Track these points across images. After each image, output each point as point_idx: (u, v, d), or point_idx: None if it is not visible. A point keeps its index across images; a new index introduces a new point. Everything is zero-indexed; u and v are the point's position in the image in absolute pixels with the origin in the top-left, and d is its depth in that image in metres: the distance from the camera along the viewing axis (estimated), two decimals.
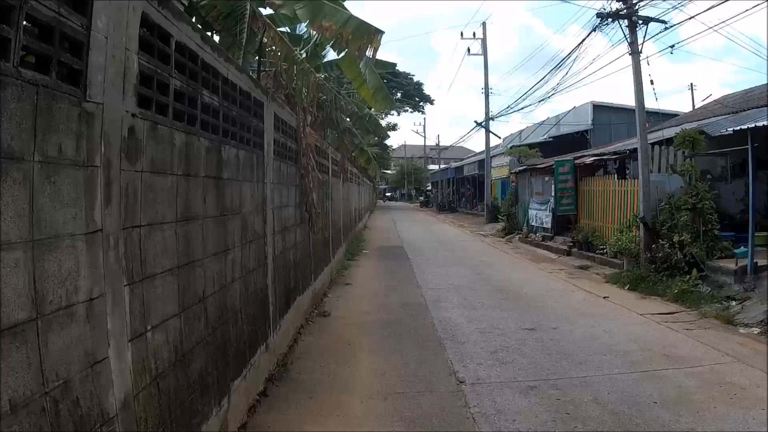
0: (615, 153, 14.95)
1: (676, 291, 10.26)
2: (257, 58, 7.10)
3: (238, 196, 4.39)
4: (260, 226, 5.11)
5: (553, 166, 17.72)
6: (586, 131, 30.32)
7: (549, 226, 18.60)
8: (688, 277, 10.64)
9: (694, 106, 35.22)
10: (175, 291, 3.12)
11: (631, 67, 12.73)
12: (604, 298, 10.45)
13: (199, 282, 3.48)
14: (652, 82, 14.53)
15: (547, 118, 34.59)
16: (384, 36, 9.31)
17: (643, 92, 12.69)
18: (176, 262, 3.12)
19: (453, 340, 7.34)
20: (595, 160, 15.38)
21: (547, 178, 19.27)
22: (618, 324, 8.37)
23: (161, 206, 2.92)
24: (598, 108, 30.82)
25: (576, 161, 16.27)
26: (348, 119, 10.33)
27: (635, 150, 14.28)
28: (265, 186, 5.27)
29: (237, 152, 4.32)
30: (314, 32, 7.58)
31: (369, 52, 6.28)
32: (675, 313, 9.36)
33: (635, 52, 12.63)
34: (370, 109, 11.25)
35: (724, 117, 16.13)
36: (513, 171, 23.83)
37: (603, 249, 14.14)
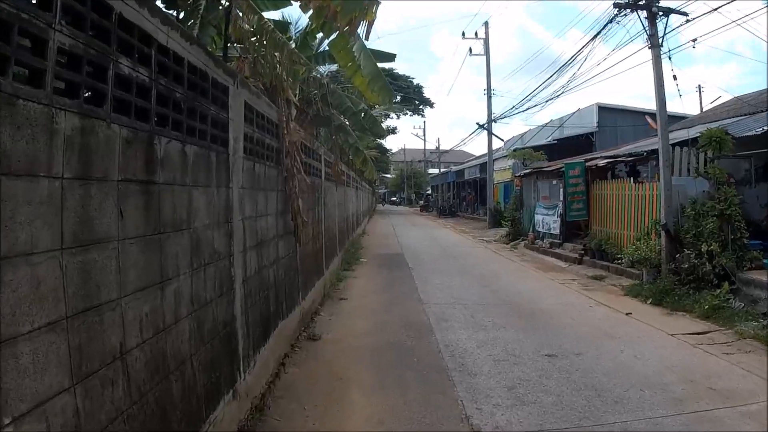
0: (630, 155, 13.90)
1: (706, 306, 9.21)
2: (226, 41, 6.04)
3: (185, 206, 3.34)
4: (223, 242, 4.05)
5: (562, 169, 16.68)
6: (591, 134, 29.36)
7: (557, 232, 17.54)
8: (718, 290, 9.59)
9: (701, 108, 34.22)
10: (63, 353, 2.06)
11: (651, 61, 11.71)
12: (627, 314, 9.39)
13: (113, 332, 2.42)
14: (675, 78, 12.77)
15: (551, 120, 33.59)
16: (384, 39, 8.30)
17: (663, 88, 11.66)
18: (64, 309, 2.07)
19: (463, 370, 6.27)
20: (608, 162, 14.34)
21: (554, 182, 18.21)
22: (649, 347, 7.33)
23: (27, 227, 1.86)
24: (604, 110, 29.86)
25: (587, 164, 15.22)
26: (341, 116, 9.30)
27: (653, 151, 13.26)
28: (230, 192, 4.22)
29: (183, 148, 3.27)
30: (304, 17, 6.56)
31: (362, 29, 5.25)
32: (708, 332, 8.33)
33: (655, 45, 11.61)
34: (371, 108, 10.15)
35: (742, 117, 15.09)
36: (518, 174, 22.81)
37: (619, 258, 13.09)
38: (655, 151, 13.16)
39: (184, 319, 3.28)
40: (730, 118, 16.01)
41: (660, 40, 11.58)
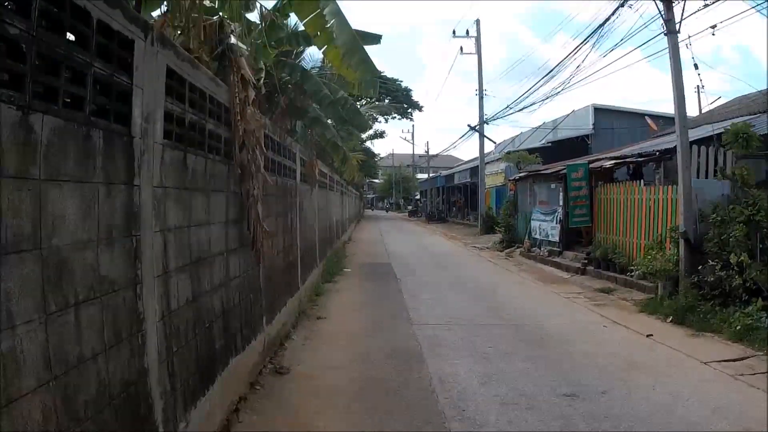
0: (640, 155, 12.71)
1: (737, 327, 8.01)
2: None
3: (28, 212, 2.02)
4: (120, 266, 2.74)
5: (562, 172, 15.50)
6: (587, 136, 28.29)
7: (556, 239, 16.34)
8: (748, 307, 8.40)
9: (700, 109, 33.27)
10: None
11: (668, 49, 10.54)
12: (648, 336, 8.17)
13: None
14: (696, 67, 11.54)
15: (543, 123, 32.52)
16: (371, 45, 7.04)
17: (682, 77, 10.48)
18: None
19: (464, 419, 4.97)
20: (615, 163, 13.15)
21: (553, 185, 17.03)
22: (684, 382, 6.11)
23: None
24: (600, 111, 28.83)
25: (591, 165, 14.03)
26: (317, 106, 8.01)
27: (666, 151, 12.10)
28: (136, 192, 2.90)
29: (23, 118, 1.96)
30: None
31: None
32: (745, 358, 7.14)
33: (672, 31, 10.44)
34: (355, 99, 8.78)
35: (754, 116, 13.99)
36: (512, 178, 21.62)
37: (630, 269, 11.89)
38: (668, 151, 12.00)
39: (37, 391, 1.96)
40: (739, 116, 14.92)
41: (677, 26, 10.42)
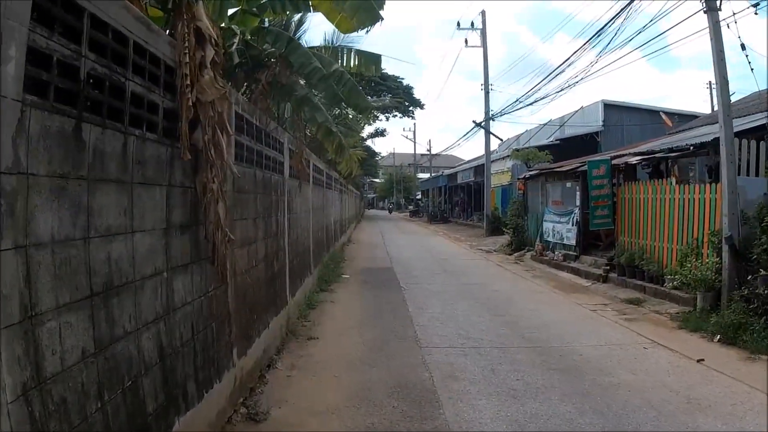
0: (671, 149, 11.34)
1: None
2: None
3: None
4: None
5: (580, 169, 14.16)
6: (596, 133, 27.00)
7: (573, 242, 14.99)
8: None
9: (712, 107, 31.99)
10: None
11: (709, 28, 9.22)
12: (699, 362, 6.85)
13: None
14: (743, 47, 10.19)
15: (550, 120, 31.21)
16: (369, 45, 5.72)
17: (724, 61, 9.14)
18: None
19: None
20: (643, 159, 11.80)
21: (569, 184, 15.69)
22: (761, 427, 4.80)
23: None
24: (610, 107, 27.56)
25: (614, 161, 12.69)
26: (306, 83, 6.67)
27: (701, 145, 10.76)
28: None
29: None
30: None
31: None
32: None
33: (713, 8, 9.13)
34: (354, 75, 7.33)
35: None
36: (521, 176, 20.26)
37: (663, 277, 10.57)
38: (704, 145, 10.67)
39: None
40: (761, 111, 13.60)
41: (719, 2, 9.10)
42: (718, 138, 9.38)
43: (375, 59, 6.80)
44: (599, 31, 15.46)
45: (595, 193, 12.65)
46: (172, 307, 3.42)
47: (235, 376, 4.82)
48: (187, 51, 3.49)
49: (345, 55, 6.87)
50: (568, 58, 16.69)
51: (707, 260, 9.50)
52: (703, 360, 6.91)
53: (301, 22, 7.25)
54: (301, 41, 6.84)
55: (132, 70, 2.91)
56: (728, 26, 9.44)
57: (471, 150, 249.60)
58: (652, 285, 10.90)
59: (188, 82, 3.43)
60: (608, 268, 12.65)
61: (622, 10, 11.84)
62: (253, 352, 5.50)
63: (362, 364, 6.46)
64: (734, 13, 9.45)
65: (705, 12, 9.29)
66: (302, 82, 6.49)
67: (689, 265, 9.44)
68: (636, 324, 8.91)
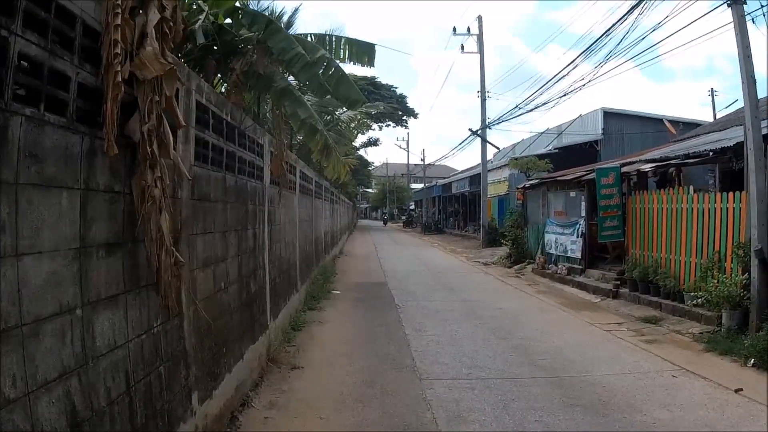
0: (687, 155, 10.52)
1: None
2: None
3: None
4: None
5: (586, 178, 13.34)
6: (596, 141, 26.27)
7: (577, 255, 14.14)
8: None
9: (715, 114, 31.47)
10: None
11: (733, 24, 8.45)
12: (737, 391, 6.01)
13: None
14: None
15: (547, 129, 30.51)
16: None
17: (751, 58, 8.36)
18: None
19: None
20: (657, 166, 10.99)
21: (573, 193, 14.87)
22: None
23: None
24: (610, 115, 26.85)
25: (623, 169, 11.87)
26: (286, 72, 5.77)
27: (722, 150, 9.96)
28: None
29: None
30: None
31: None
32: None
33: (737, 1, 8.37)
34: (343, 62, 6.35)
35: None
36: (521, 186, 19.45)
37: (677, 292, 9.74)
38: (724, 150, 9.87)
39: None
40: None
41: None
42: (742, 142, 8.61)
43: (368, 49, 5.94)
44: (607, 30, 14.74)
45: (604, 203, 11.81)
46: (92, 354, 2.51)
47: (196, 426, 3.89)
48: (120, 12, 2.61)
49: (334, 43, 5.99)
50: (574, 60, 15.84)
51: (732, 275, 8.68)
52: (741, 390, 6.05)
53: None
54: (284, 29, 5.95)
55: (23, 22, 2.03)
56: (753, 21, 8.58)
57: (465, 160, 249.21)
58: (668, 302, 10.06)
59: (118, 50, 2.54)
60: (618, 282, 11.80)
61: (633, 8, 11.07)
62: (221, 391, 4.57)
63: (354, 402, 5.52)
64: (762, 6, 8.58)
65: (729, 5, 8.52)
66: (288, 78, 5.59)
67: (714, 281, 8.60)
68: (658, 347, 8.05)
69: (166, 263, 2.94)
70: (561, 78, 18.85)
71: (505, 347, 7.75)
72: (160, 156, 2.88)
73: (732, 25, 8.55)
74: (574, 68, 15.27)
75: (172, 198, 3.18)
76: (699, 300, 8.95)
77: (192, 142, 3.78)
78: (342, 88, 5.42)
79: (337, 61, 6.00)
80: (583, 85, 16.47)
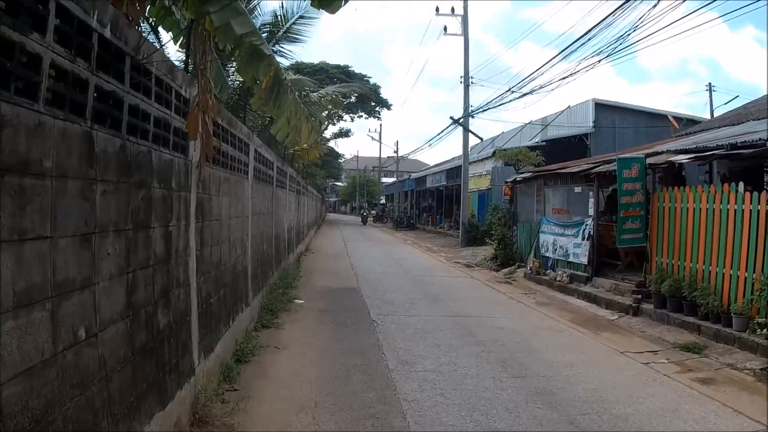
0: (733, 145, 8.60)
1: None
2: None
3: None
4: None
5: (593, 170, 11.40)
6: (586, 135, 24.55)
7: (582, 261, 12.22)
8: None
9: (712, 110, 30.12)
10: None
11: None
12: None
13: None
14: None
15: (531, 121, 28.67)
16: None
17: None
18: None
19: None
20: (696, 157, 9.06)
21: (578, 189, 12.94)
22: None
23: None
24: (602, 107, 25.13)
25: (649, 161, 9.91)
26: None
27: None
28: None
29: None
30: None
31: None
32: None
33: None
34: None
35: None
36: (510, 179, 17.47)
37: (722, 313, 7.86)
38: None
39: None
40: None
41: None
42: None
43: None
44: (611, 13, 12.93)
45: (626, 201, 9.85)
46: None
47: None
48: None
49: None
50: (577, 40, 13.91)
51: None
52: None
53: None
54: None
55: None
56: None
57: (438, 155, 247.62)
58: (709, 324, 8.18)
59: None
60: (638, 296, 9.87)
61: None
62: None
63: None
64: None
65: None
66: None
67: None
68: (718, 390, 6.13)
69: None
70: (553, 66, 16.92)
71: (527, 394, 5.68)
72: None
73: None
74: (581, 44, 13.36)
75: None
76: (760, 328, 7.05)
77: None
78: None
79: None
80: (578, 71, 14.64)
